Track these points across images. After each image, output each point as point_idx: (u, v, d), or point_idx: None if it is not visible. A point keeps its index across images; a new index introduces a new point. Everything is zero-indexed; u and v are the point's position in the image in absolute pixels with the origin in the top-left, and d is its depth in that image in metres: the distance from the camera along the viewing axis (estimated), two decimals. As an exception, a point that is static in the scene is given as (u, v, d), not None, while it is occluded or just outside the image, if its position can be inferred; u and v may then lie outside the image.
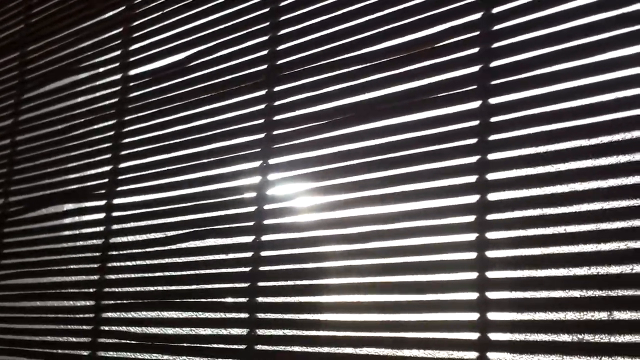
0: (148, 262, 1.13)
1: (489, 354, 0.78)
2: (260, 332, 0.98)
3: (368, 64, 0.93)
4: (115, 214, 1.20)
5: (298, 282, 0.95)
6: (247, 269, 1.01)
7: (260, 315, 0.98)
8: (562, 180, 0.75)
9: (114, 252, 1.18)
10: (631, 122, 0.72)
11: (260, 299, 0.99)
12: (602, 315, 0.72)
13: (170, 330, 1.09)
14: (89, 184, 1.25)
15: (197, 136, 1.11)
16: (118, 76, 1.26)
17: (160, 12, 1.21)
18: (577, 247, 0.74)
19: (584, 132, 0.75)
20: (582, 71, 0.76)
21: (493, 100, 0.82)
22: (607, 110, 0.74)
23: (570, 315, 0.74)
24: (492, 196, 0.80)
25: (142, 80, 1.21)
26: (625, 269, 0.71)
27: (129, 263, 1.16)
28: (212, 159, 1.09)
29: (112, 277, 1.18)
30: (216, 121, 1.09)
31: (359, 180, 0.92)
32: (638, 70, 0.72)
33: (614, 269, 0.72)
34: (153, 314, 1.11)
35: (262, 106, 1.04)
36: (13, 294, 1.34)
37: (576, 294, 0.73)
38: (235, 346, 1.00)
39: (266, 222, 1.01)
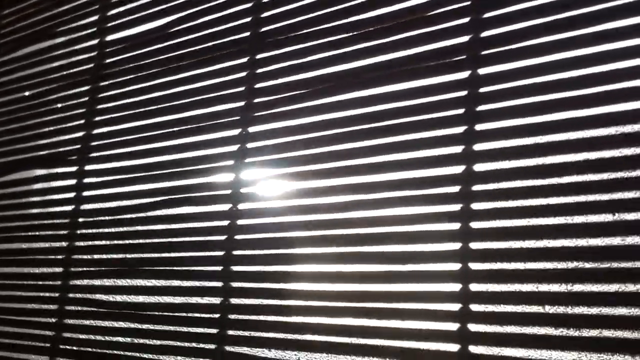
0: (119, 229, 1.11)
1: (470, 325, 0.77)
2: (234, 301, 0.96)
3: (354, 33, 0.92)
4: (86, 180, 1.18)
5: (274, 251, 0.94)
6: (223, 237, 0.99)
7: (235, 284, 0.97)
8: (549, 151, 0.75)
9: (84, 219, 1.16)
10: (623, 94, 0.72)
11: (234, 268, 0.97)
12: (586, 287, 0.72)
13: (140, 298, 1.07)
14: (60, 149, 1.22)
15: (174, 103, 1.09)
16: (95, 41, 1.23)
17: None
18: (558, 219, 0.74)
19: (573, 104, 0.74)
20: (573, 43, 0.75)
21: (482, 71, 0.81)
22: (597, 82, 0.73)
23: (547, 288, 0.74)
24: (478, 167, 0.79)
25: (119, 46, 1.19)
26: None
27: (99, 230, 1.14)
28: (190, 127, 1.07)
29: (82, 244, 1.15)
30: (195, 88, 1.08)
31: (342, 149, 0.90)
32: (630, 42, 0.72)
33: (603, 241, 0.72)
34: (123, 282, 1.09)
35: (244, 74, 1.03)
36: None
37: (557, 265, 0.73)
38: (208, 315, 0.98)
39: (243, 190, 0.99)
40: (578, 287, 0.72)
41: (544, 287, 0.74)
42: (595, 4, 0.75)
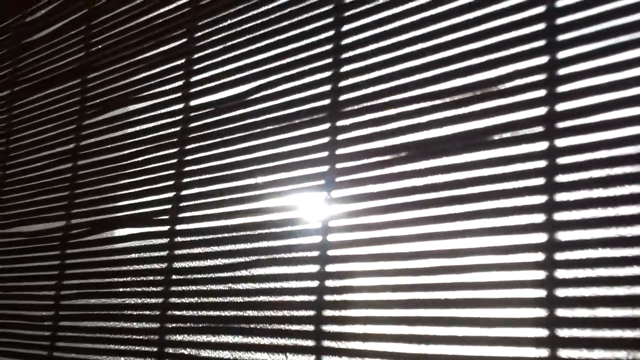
0: (211, 287, 1.18)
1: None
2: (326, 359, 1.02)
3: (431, 103, 0.97)
4: (178, 239, 1.25)
5: (365, 313, 0.99)
6: (313, 298, 1.04)
7: (325, 343, 1.02)
8: (630, 222, 0.78)
9: (177, 277, 1.23)
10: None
11: (325, 327, 1.02)
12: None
13: (227, 354, 1.13)
14: (152, 209, 1.30)
15: (258, 167, 1.16)
16: (180, 106, 1.30)
17: (222, 46, 1.25)
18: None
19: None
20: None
21: (559, 143, 0.85)
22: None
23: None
24: (561, 235, 0.83)
25: (204, 111, 1.26)
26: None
27: (192, 287, 1.20)
28: (274, 190, 1.13)
29: (176, 300, 1.22)
30: (278, 153, 1.14)
31: (424, 215, 0.95)
32: None
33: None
34: (217, 338, 1.15)
35: (326, 140, 1.08)
36: (77, 313, 1.39)
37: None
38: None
39: (330, 253, 1.04)
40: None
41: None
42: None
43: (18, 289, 1.53)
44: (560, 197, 0.84)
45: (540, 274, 0.84)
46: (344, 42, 1.08)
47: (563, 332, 0.81)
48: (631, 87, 0.80)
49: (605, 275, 0.79)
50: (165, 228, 1.27)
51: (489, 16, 0.93)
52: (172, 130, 1.30)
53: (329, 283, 1.03)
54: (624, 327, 0.77)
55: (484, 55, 0.93)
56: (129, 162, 1.37)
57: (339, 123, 1.07)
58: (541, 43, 0.88)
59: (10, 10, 1.75)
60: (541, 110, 0.87)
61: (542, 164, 0.85)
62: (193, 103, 1.29)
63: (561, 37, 0.86)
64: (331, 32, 1.10)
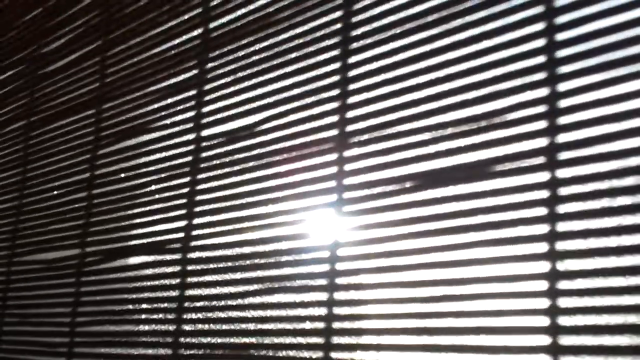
0: (224, 314, 1.20)
1: None
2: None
3: (435, 134, 0.99)
4: (190, 267, 1.27)
5: (373, 340, 1.00)
6: (322, 325, 1.06)
7: (334, 371, 1.04)
8: (630, 252, 0.80)
9: (189, 304, 1.25)
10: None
11: (333, 355, 1.04)
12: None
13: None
14: (164, 237, 1.32)
15: (268, 196, 1.18)
16: (192, 136, 1.33)
17: (232, 77, 1.28)
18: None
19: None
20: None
21: (560, 173, 0.86)
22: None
23: None
24: (562, 265, 0.84)
25: (215, 141, 1.28)
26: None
27: (203, 315, 1.22)
28: (284, 219, 1.15)
29: (188, 328, 1.24)
30: (286, 183, 1.16)
31: (428, 245, 0.97)
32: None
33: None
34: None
35: (334, 169, 1.10)
36: (92, 340, 1.41)
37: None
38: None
39: (338, 280, 1.06)
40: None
41: None
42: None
43: (34, 315, 1.56)
44: (562, 226, 0.85)
45: (544, 302, 0.85)
46: (351, 74, 1.11)
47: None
48: (630, 118, 0.82)
49: (608, 305, 0.81)
50: (178, 256, 1.29)
51: (492, 49, 0.95)
52: (184, 160, 1.33)
53: (337, 310, 1.05)
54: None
55: (486, 87, 0.95)
56: (141, 191, 1.40)
57: (346, 153, 1.09)
58: (542, 75, 0.90)
59: (27, 41, 1.79)
60: (543, 142, 0.88)
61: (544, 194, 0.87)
62: (204, 133, 1.31)
63: (562, 70, 0.88)
64: (338, 64, 1.13)
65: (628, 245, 0.80)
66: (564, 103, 0.87)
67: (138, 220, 1.39)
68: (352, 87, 1.11)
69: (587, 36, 0.87)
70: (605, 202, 0.82)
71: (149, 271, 1.35)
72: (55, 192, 1.59)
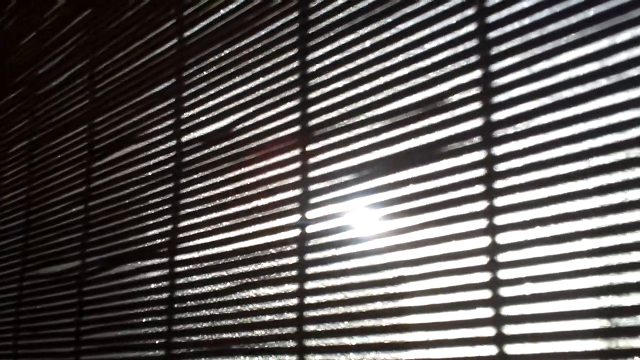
0: (211, 312, 1.24)
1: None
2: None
3: (389, 121, 1.02)
4: (178, 269, 1.32)
5: (346, 325, 1.04)
6: (294, 315, 1.10)
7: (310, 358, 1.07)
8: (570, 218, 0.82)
9: (179, 305, 1.30)
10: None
11: (307, 342, 1.08)
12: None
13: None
14: (153, 242, 1.38)
15: (242, 195, 1.22)
16: (173, 142, 1.38)
17: (206, 83, 1.33)
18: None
19: (589, 172, 0.81)
20: (582, 118, 0.82)
21: (496, 150, 0.89)
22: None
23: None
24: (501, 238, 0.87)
25: (195, 145, 1.33)
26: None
27: (192, 314, 1.27)
28: (254, 217, 1.20)
29: (179, 327, 1.29)
30: (258, 181, 1.20)
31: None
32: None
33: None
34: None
35: (298, 165, 1.14)
36: (96, 347, 1.47)
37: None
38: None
39: (308, 270, 1.10)
40: None
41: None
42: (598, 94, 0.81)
43: (40, 328, 1.63)
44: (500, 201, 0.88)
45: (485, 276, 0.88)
46: (309, 70, 1.15)
47: None
48: (558, 91, 0.84)
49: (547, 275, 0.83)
50: (166, 260, 1.34)
51: (426, 38, 0.98)
52: (167, 166, 1.38)
53: (308, 299, 1.09)
54: None
55: (423, 75, 0.98)
56: (132, 199, 1.45)
57: (309, 147, 1.13)
58: (475, 58, 0.93)
59: (23, 64, 1.86)
60: (478, 122, 0.91)
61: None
62: (184, 139, 1.36)
63: (494, 51, 0.91)
64: (297, 63, 1.17)
65: (566, 213, 0.83)
66: (496, 83, 0.90)
67: (131, 228, 1.44)
68: (311, 83, 1.14)
69: (515, 16, 0.90)
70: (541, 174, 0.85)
71: (142, 276, 1.40)
72: (57, 207, 1.65)
